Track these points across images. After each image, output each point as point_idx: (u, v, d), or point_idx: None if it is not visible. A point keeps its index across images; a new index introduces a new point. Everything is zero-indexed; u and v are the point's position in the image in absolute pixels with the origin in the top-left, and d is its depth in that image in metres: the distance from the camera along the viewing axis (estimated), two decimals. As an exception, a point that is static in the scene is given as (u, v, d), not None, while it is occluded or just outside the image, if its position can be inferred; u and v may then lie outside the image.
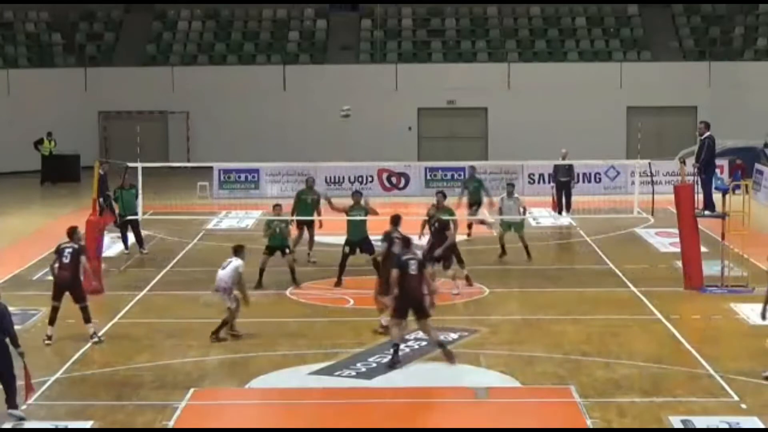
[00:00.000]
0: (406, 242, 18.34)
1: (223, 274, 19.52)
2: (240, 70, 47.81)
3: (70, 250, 19.37)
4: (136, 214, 26.31)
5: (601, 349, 18.76)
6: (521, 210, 26.70)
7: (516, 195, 26.99)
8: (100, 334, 19.64)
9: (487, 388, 16.78)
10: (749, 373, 17.11)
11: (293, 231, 25.29)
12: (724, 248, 23.37)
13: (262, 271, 23.50)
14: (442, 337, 18.24)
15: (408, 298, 17.43)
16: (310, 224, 26.05)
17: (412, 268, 17.52)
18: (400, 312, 17.57)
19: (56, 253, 19.53)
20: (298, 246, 25.61)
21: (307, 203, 25.82)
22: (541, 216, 33.49)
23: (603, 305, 22.04)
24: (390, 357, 17.68)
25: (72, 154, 43.18)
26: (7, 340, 15.17)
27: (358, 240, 23.73)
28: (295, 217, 25.47)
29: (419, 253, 18.75)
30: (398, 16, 50.45)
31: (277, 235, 23.60)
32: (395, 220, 20.67)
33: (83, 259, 19.45)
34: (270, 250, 23.63)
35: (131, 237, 27.54)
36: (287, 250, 23.71)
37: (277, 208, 24.15)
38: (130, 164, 26.34)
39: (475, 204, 29.08)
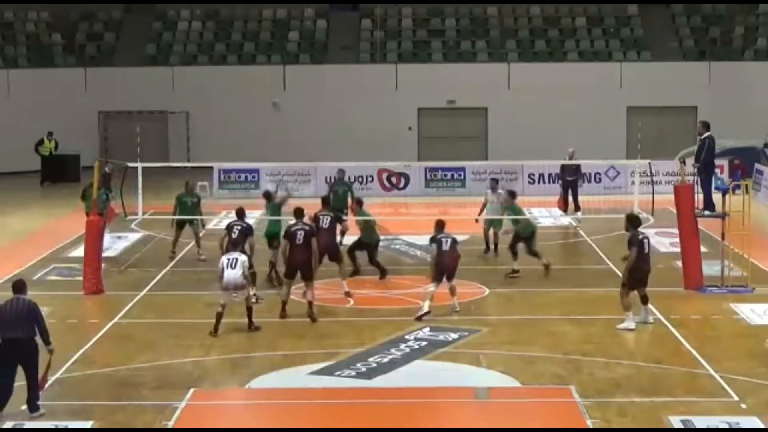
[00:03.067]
0: (298, 212, 21.15)
1: (235, 274, 19.61)
2: (240, 70, 47.80)
3: (302, 232, 20.77)
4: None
5: (601, 349, 18.76)
6: (502, 206, 26.48)
7: (500, 190, 26.62)
8: (101, 333, 19.72)
9: (487, 388, 16.77)
10: (749, 373, 17.11)
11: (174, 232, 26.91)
12: (724, 248, 23.37)
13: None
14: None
15: (294, 263, 20.63)
16: (191, 223, 26.74)
17: (299, 238, 20.55)
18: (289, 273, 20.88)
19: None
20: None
21: (186, 205, 26.63)
22: (542, 216, 33.44)
23: (603, 305, 21.99)
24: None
25: (72, 154, 43.17)
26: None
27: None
28: (175, 217, 26.40)
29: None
30: (398, 16, 50.44)
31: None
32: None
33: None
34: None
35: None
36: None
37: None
38: (130, 164, 26.34)
39: (339, 210, 26.81)
